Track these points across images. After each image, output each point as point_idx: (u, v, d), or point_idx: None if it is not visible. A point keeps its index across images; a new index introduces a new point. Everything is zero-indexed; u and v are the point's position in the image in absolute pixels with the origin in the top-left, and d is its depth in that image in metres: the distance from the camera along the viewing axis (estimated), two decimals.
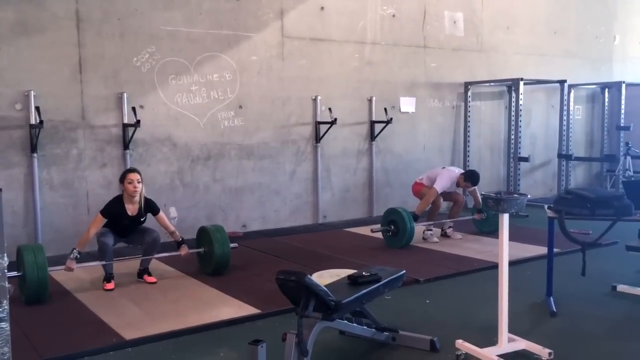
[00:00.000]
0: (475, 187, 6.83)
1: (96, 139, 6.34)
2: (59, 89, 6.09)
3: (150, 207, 5.12)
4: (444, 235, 6.90)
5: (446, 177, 6.59)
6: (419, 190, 6.83)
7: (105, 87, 6.34)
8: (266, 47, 7.34)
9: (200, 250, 5.40)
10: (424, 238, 6.66)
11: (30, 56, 5.93)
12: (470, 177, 6.64)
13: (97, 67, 6.27)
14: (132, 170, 5.08)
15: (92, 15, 6.22)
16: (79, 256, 4.79)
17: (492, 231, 6.78)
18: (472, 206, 7.21)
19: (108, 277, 4.96)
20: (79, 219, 6.26)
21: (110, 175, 6.40)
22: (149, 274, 5.12)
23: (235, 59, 7.11)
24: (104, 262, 4.95)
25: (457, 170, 6.74)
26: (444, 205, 6.95)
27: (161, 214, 5.20)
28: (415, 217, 6.39)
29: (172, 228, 5.25)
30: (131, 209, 4.98)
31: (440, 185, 6.54)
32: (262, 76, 7.34)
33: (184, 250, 5.16)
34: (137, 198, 4.98)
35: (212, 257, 5.27)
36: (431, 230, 6.71)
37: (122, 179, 5.01)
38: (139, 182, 4.95)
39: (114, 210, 4.95)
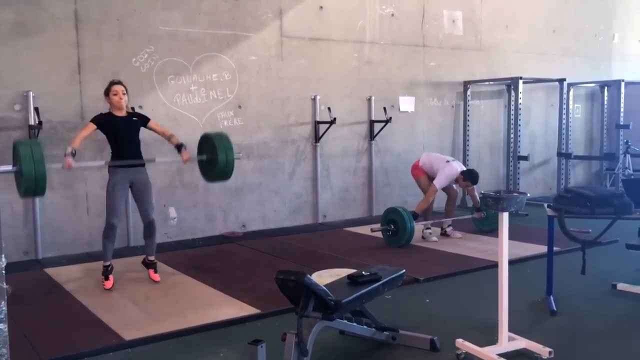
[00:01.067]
0: (474, 187, 6.84)
1: (95, 140, 6.29)
2: (58, 90, 6.08)
3: (138, 114, 5.12)
4: (444, 234, 6.89)
5: (447, 174, 6.57)
6: (417, 175, 6.82)
7: (104, 88, 6.27)
8: (265, 46, 7.34)
9: (203, 157, 5.20)
10: (423, 237, 6.66)
11: (28, 57, 5.92)
12: (470, 176, 6.63)
13: (95, 67, 6.27)
14: (116, 82, 5.02)
15: (91, 16, 6.21)
16: (74, 152, 4.71)
17: (492, 230, 6.78)
18: (471, 205, 7.21)
19: (105, 272, 4.93)
20: (78, 220, 6.27)
21: (107, 173, 6.37)
22: (155, 271, 5.12)
23: (234, 59, 7.11)
24: (103, 252, 4.90)
25: (459, 168, 6.70)
26: (436, 201, 6.93)
27: (152, 122, 5.13)
28: (415, 216, 6.39)
29: (169, 133, 5.18)
30: (119, 113, 4.97)
31: (439, 183, 6.54)
32: (261, 76, 7.33)
33: (186, 155, 5.09)
34: (123, 108, 4.97)
35: (215, 166, 5.04)
36: (430, 229, 6.71)
37: (107, 91, 4.96)
38: (123, 94, 4.94)
39: (103, 117, 4.93)
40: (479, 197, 6.84)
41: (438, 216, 7.04)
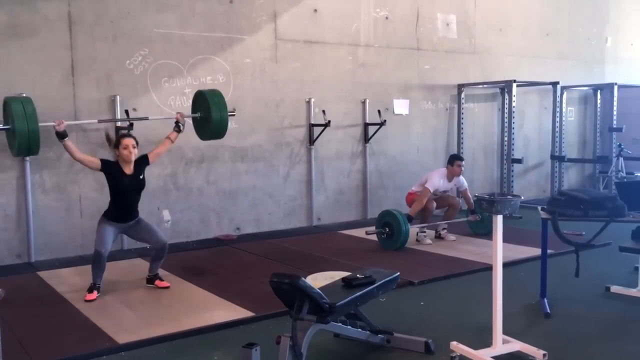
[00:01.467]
0: (467, 189, 6.89)
1: (89, 142, 6.30)
2: (52, 92, 6.06)
3: (142, 160, 4.98)
4: (438, 237, 6.90)
5: (435, 175, 6.65)
6: (412, 199, 6.81)
7: (97, 90, 6.31)
8: (259, 49, 7.33)
9: (197, 115, 5.16)
10: (417, 240, 6.66)
11: (22, 59, 5.90)
12: (452, 158, 6.74)
13: (89, 70, 6.25)
14: (127, 135, 4.94)
15: (85, 18, 6.20)
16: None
17: (487, 233, 6.79)
18: (466, 208, 7.23)
19: (91, 288, 4.75)
20: (71, 223, 6.24)
21: (102, 178, 6.31)
22: (161, 279, 5.06)
23: (228, 62, 7.10)
24: (95, 269, 4.79)
25: (444, 168, 6.78)
26: (438, 210, 6.96)
27: (151, 154, 5.05)
28: (410, 219, 6.40)
29: (164, 140, 5.15)
30: (128, 168, 4.89)
31: (432, 184, 6.56)
32: (256, 79, 7.33)
33: (179, 116, 5.08)
34: (132, 163, 4.89)
35: (209, 123, 5.00)
36: (424, 232, 6.71)
37: (117, 143, 4.88)
38: (134, 147, 4.84)
39: (111, 165, 4.85)
40: (473, 200, 6.89)
41: (436, 219, 7.01)
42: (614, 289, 4.80)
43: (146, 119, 5.46)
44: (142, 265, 5.15)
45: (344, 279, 3.65)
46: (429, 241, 6.65)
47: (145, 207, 6.28)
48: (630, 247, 4.68)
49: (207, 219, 7.06)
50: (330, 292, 3.35)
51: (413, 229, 6.49)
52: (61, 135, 4.72)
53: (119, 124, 6.37)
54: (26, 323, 4.20)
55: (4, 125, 4.31)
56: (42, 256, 6.09)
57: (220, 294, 4.80)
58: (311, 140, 7.76)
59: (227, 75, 7.11)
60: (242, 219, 7.35)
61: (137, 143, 4.89)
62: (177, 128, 5.19)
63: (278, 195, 7.62)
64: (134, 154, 4.85)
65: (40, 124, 4.40)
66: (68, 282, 5.22)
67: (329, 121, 7.56)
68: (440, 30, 8.92)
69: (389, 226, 6.39)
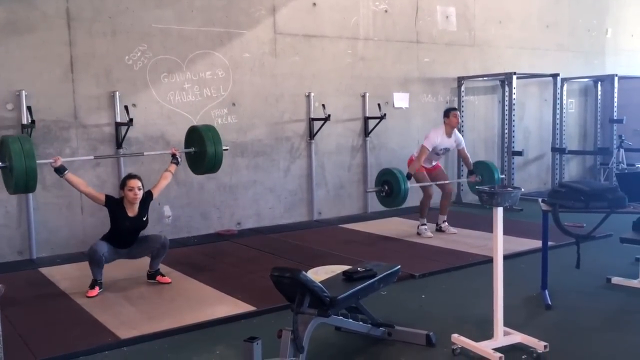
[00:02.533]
0: (465, 148, 6.87)
1: (89, 138, 6.31)
2: (51, 89, 6.05)
3: (146, 198, 4.95)
4: (439, 230, 6.88)
5: (432, 132, 6.63)
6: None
7: (97, 86, 6.30)
8: (258, 44, 7.32)
9: (191, 150, 5.22)
10: (418, 233, 6.66)
11: (21, 56, 5.89)
12: (447, 110, 6.71)
13: (88, 66, 6.24)
14: (133, 176, 4.89)
15: (83, 14, 6.18)
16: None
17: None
18: (466, 174, 7.14)
19: (92, 284, 4.75)
20: (72, 219, 6.24)
21: (103, 174, 6.37)
22: (162, 275, 5.06)
23: (227, 56, 7.09)
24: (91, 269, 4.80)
25: (441, 125, 6.72)
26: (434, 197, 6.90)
27: (154, 191, 5.02)
28: (409, 176, 6.42)
29: (164, 174, 5.14)
30: (131, 210, 4.86)
31: (429, 142, 6.54)
32: (255, 73, 7.32)
33: (174, 150, 5.11)
34: (136, 204, 4.86)
35: (204, 157, 5.04)
36: (425, 225, 6.71)
37: (122, 185, 4.87)
38: (139, 189, 4.80)
39: (115, 203, 4.82)
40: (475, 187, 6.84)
41: (434, 213, 7.01)
42: (615, 280, 4.80)
43: (141, 154, 5.51)
44: (143, 261, 5.15)
45: (344, 273, 3.66)
46: (429, 234, 6.64)
47: None
48: (631, 238, 4.68)
49: (207, 214, 7.07)
50: (331, 286, 3.36)
51: (413, 223, 6.49)
52: (60, 171, 4.69)
53: (118, 119, 6.39)
54: (28, 319, 4.21)
55: (2, 163, 4.37)
56: (43, 253, 6.10)
57: (222, 288, 4.81)
58: (311, 135, 7.75)
59: (227, 70, 7.09)
60: (242, 214, 7.35)
61: (142, 185, 4.86)
62: (175, 161, 5.19)
63: (278, 189, 7.62)
64: (139, 196, 4.82)
65: (38, 162, 4.45)
66: (69, 278, 5.23)
67: (329, 115, 7.55)
68: (439, 23, 8.89)
69: (389, 184, 6.38)
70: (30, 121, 5.77)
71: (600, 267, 5.15)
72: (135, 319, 4.18)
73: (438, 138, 6.58)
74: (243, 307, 4.35)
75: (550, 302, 4.31)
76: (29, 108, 5.82)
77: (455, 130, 6.75)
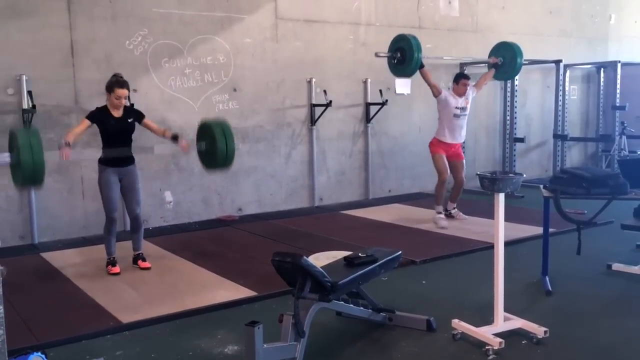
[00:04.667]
0: (476, 83, 6.77)
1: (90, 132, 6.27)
2: (51, 73, 6.03)
3: (134, 112, 5.00)
4: (449, 216, 6.77)
5: (443, 91, 6.53)
6: (434, 151, 6.67)
7: (97, 71, 6.27)
8: (260, 29, 7.27)
9: (202, 146, 4.99)
10: (434, 222, 6.54)
11: (21, 40, 5.86)
12: (457, 76, 6.63)
13: (89, 50, 6.21)
14: (122, 85, 4.80)
15: None
16: (69, 143, 4.61)
17: (508, 78, 7.04)
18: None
19: (113, 261, 4.95)
20: (74, 204, 6.25)
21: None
22: (144, 260, 5.10)
23: (228, 42, 7.05)
24: (105, 247, 4.92)
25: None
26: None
27: (146, 119, 5.03)
28: (422, 65, 6.21)
29: (162, 129, 5.09)
30: (116, 112, 4.87)
31: (443, 94, 6.46)
32: (256, 59, 7.28)
33: (183, 142, 4.99)
34: (122, 108, 4.89)
35: (215, 154, 4.90)
36: (441, 213, 6.58)
37: (110, 89, 4.79)
38: (125, 99, 4.84)
39: (98, 113, 4.83)
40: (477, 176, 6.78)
41: (445, 201, 6.84)
42: (616, 266, 4.81)
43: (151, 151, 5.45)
44: (144, 246, 5.17)
45: (346, 258, 3.66)
46: (445, 223, 6.46)
47: (147, 188, 6.32)
48: (632, 225, 4.69)
49: (209, 199, 7.07)
50: (332, 271, 3.36)
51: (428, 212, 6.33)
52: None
53: None
54: (30, 303, 4.23)
55: (10, 156, 4.35)
56: (45, 237, 6.11)
57: (223, 274, 4.83)
58: (312, 121, 7.73)
59: (228, 55, 7.06)
60: (244, 200, 7.36)
61: (129, 93, 4.91)
62: (175, 141, 5.04)
63: (280, 176, 7.61)
64: (123, 103, 4.87)
65: (45, 154, 4.43)
66: (71, 262, 5.25)
67: (330, 101, 7.52)
68: (442, 8, 8.83)
69: (402, 51, 6.11)
70: (30, 106, 5.75)
71: (601, 254, 5.15)
72: (137, 303, 4.20)
73: (450, 98, 6.48)
74: (244, 292, 4.36)
75: (550, 288, 4.32)
76: (29, 93, 5.81)
77: (469, 88, 6.60)
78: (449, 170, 6.62)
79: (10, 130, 4.50)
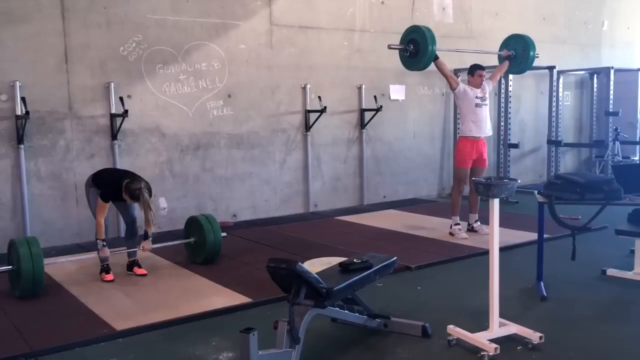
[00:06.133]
0: (491, 76, 6.51)
1: (84, 130, 6.28)
2: (45, 79, 6.01)
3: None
4: (471, 230, 6.36)
5: (460, 85, 6.22)
6: (459, 150, 6.34)
7: (91, 77, 6.26)
8: (254, 35, 7.28)
9: (191, 240, 5.37)
10: (451, 233, 6.23)
11: (14, 46, 5.84)
12: (472, 68, 6.28)
13: (83, 56, 6.20)
14: (136, 197, 4.69)
15: (77, 4, 6.13)
16: (105, 244, 4.78)
17: (520, 72, 6.72)
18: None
19: (106, 269, 4.90)
20: (67, 211, 6.22)
21: (98, 165, 6.31)
22: (139, 266, 5.08)
23: (223, 48, 7.05)
24: (98, 255, 4.89)
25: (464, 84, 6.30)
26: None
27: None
28: (436, 57, 5.94)
29: (151, 219, 4.94)
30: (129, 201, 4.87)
31: (460, 86, 6.16)
32: (251, 65, 7.28)
33: (146, 244, 4.95)
34: None
35: (204, 247, 5.24)
36: (459, 224, 6.24)
37: (126, 190, 4.69)
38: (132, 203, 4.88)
39: (112, 195, 4.83)
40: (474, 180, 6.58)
41: (464, 212, 6.48)
42: (610, 272, 4.82)
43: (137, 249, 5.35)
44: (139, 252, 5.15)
45: (341, 264, 3.65)
46: (464, 235, 6.15)
47: None
48: (627, 230, 4.70)
49: (203, 206, 7.05)
50: (327, 277, 3.35)
51: (444, 221, 6.23)
52: None
53: (113, 110, 6.35)
54: (22, 310, 4.19)
55: (10, 266, 4.49)
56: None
57: (217, 280, 4.81)
58: (307, 127, 7.74)
59: (222, 62, 7.06)
60: (238, 206, 7.34)
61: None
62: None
63: (274, 182, 7.61)
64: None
65: (46, 261, 4.55)
66: (65, 269, 5.21)
67: (325, 107, 7.53)
68: (436, 14, 8.87)
69: (414, 43, 5.88)
70: (24, 112, 5.73)
71: (596, 259, 5.16)
72: (130, 310, 4.17)
73: (467, 89, 6.17)
74: (239, 299, 4.35)
75: (545, 294, 4.32)
76: (23, 99, 5.79)
77: (485, 81, 6.31)
78: (467, 180, 6.22)
79: (11, 240, 4.64)
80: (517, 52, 6.58)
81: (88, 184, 5.02)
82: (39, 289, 4.44)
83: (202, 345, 3.59)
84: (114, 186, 4.78)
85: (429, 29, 5.90)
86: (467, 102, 6.20)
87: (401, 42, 6.10)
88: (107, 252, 4.82)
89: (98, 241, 4.78)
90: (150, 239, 5.00)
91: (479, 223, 6.40)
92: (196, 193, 7.01)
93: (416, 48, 5.88)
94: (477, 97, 6.22)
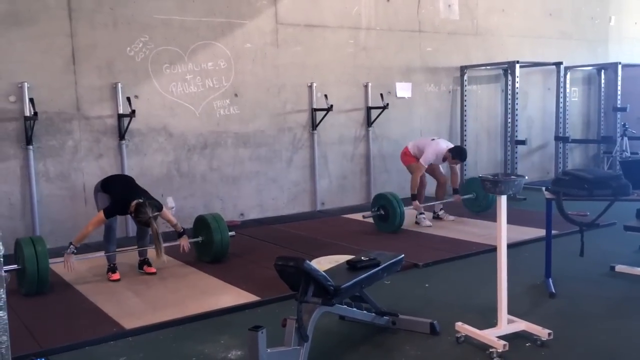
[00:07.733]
0: (457, 166, 6.89)
1: (91, 130, 6.31)
2: (53, 80, 6.05)
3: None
4: (436, 217, 6.93)
5: (432, 151, 6.58)
6: (406, 161, 6.86)
7: (99, 78, 6.29)
8: (260, 34, 7.29)
9: (199, 239, 5.39)
10: (416, 222, 6.67)
11: (22, 48, 5.88)
12: (458, 153, 6.61)
13: (90, 57, 6.23)
14: (146, 223, 4.64)
15: (84, 5, 6.16)
16: (75, 251, 4.69)
17: (482, 210, 6.96)
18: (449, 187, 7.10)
19: (113, 268, 4.96)
20: (76, 211, 6.25)
21: (106, 166, 6.37)
22: (149, 265, 5.10)
23: (229, 47, 7.07)
24: (105, 254, 4.96)
25: (445, 145, 6.65)
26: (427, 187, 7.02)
27: (164, 210, 4.98)
28: (414, 197, 6.51)
29: (174, 221, 5.06)
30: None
31: (425, 159, 6.58)
32: (257, 64, 7.29)
33: (184, 241, 5.02)
34: None
35: (211, 246, 5.27)
36: (423, 214, 6.72)
37: (135, 212, 4.64)
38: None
39: (118, 212, 4.83)
40: (479, 179, 6.80)
41: (430, 200, 7.08)
42: (619, 268, 4.80)
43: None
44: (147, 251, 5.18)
45: (348, 262, 3.66)
46: (428, 223, 6.65)
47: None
48: (635, 226, 4.68)
49: (211, 205, 7.07)
50: (335, 275, 3.36)
51: (410, 212, 6.51)
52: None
53: (120, 111, 6.38)
54: (33, 309, 4.23)
55: (16, 265, 4.53)
56: (47, 244, 6.06)
57: (226, 279, 4.83)
58: (314, 125, 7.74)
59: (228, 61, 7.07)
60: (245, 205, 7.36)
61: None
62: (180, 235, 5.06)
63: (281, 180, 7.62)
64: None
65: (50, 261, 4.59)
66: (74, 269, 5.23)
67: (331, 105, 7.53)
68: (442, 11, 8.85)
69: (384, 209, 6.42)
70: (32, 113, 5.77)
71: (604, 255, 5.14)
72: (140, 309, 4.20)
73: (434, 157, 6.61)
74: (247, 297, 4.36)
75: (554, 290, 4.31)
76: (31, 100, 5.82)
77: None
78: (425, 174, 6.81)
79: (17, 240, 4.68)
80: (479, 195, 7.03)
81: (97, 190, 5.06)
82: (44, 287, 4.48)
83: (210, 344, 3.60)
84: (122, 204, 4.72)
85: (393, 195, 6.41)
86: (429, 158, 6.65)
87: (372, 209, 6.54)
88: (72, 258, 4.62)
89: (71, 246, 4.65)
90: (185, 235, 5.04)
91: (443, 211, 6.97)
92: (203, 192, 7.04)
93: (386, 213, 6.38)
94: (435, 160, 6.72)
